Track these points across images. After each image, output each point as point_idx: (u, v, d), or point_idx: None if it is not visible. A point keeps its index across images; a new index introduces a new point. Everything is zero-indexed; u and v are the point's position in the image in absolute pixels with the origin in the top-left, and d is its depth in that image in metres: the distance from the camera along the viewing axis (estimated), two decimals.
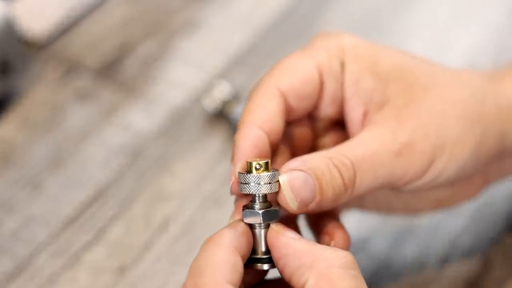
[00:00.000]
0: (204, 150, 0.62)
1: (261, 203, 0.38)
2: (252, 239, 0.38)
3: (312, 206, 0.39)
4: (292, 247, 0.37)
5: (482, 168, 0.45)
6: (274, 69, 0.43)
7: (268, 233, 0.38)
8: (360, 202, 0.47)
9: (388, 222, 0.56)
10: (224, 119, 0.63)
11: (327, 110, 0.44)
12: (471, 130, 0.42)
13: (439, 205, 0.47)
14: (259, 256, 0.39)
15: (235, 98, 0.63)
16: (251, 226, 0.38)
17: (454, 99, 0.43)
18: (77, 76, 0.68)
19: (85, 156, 0.61)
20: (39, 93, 0.66)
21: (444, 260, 0.53)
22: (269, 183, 0.38)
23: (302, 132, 0.44)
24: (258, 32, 0.72)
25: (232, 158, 0.40)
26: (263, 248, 0.39)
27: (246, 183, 0.38)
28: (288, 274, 0.36)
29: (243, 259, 0.37)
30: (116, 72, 0.68)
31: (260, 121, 0.40)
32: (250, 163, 0.38)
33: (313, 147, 0.45)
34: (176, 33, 0.72)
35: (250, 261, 0.38)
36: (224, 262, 0.35)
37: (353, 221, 0.56)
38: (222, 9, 0.74)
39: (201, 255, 0.36)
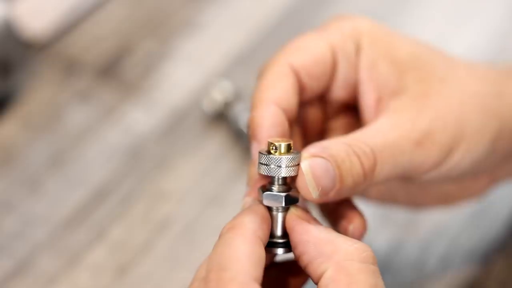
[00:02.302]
0: (205, 150, 0.62)
1: (280, 186, 0.37)
2: (270, 223, 0.37)
3: (332, 194, 0.37)
4: (312, 234, 0.35)
5: (495, 164, 0.44)
6: (285, 48, 0.42)
7: (288, 217, 0.37)
8: (365, 191, 0.46)
9: (388, 223, 0.56)
10: (224, 119, 0.63)
11: (339, 92, 0.43)
12: (488, 124, 0.42)
13: (445, 201, 0.47)
14: (275, 240, 0.37)
15: (235, 98, 0.63)
16: (268, 209, 0.37)
17: (473, 92, 0.42)
18: (77, 76, 0.68)
19: (85, 156, 0.61)
20: (39, 93, 0.66)
21: (444, 260, 0.53)
22: (291, 166, 0.36)
23: (313, 114, 0.44)
24: (258, 31, 0.72)
25: (252, 137, 0.39)
26: (279, 232, 0.37)
27: (266, 165, 0.36)
28: (305, 261, 0.35)
29: (263, 246, 0.35)
30: (116, 72, 0.68)
31: (276, 98, 0.39)
32: (272, 144, 0.36)
33: (323, 130, 0.44)
34: (176, 33, 0.72)
35: (268, 244, 0.37)
36: (249, 256, 0.34)
37: None
38: (222, 9, 0.74)
39: (224, 245, 0.34)
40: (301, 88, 0.41)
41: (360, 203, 0.51)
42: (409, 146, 0.39)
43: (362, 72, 0.42)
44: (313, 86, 0.42)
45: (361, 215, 0.41)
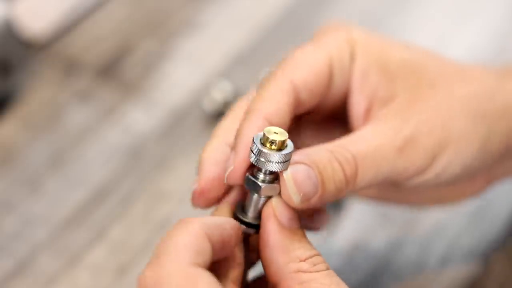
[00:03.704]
0: None
1: (267, 175, 0.37)
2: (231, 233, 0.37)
3: (314, 200, 0.38)
4: (273, 238, 0.37)
5: (487, 166, 0.44)
6: (287, 62, 0.42)
7: (265, 208, 0.38)
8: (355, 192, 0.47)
9: (388, 222, 0.56)
10: None
11: (329, 102, 0.43)
12: (477, 127, 0.42)
13: (439, 201, 0.47)
14: (248, 220, 0.38)
15: (235, 97, 0.63)
16: (250, 190, 0.38)
17: (461, 96, 0.42)
18: (77, 76, 0.68)
19: (85, 156, 0.61)
20: (39, 93, 0.66)
21: (444, 261, 0.53)
22: (280, 162, 0.37)
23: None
24: (258, 31, 0.72)
25: (234, 145, 0.39)
26: (251, 214, 0.38)
27: (256, 155, 0.37)
28: (263, 260, 0.37)
29: (215, 246, 0.35)
30: (116, 72, 0.68)
31: (269, 112, 0.39)
32: (268, 138, 0.36)
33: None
34: (176, 33, 0.72)
35: (239, 219, 0.38)
36: (189, 245, 0.34)
37: (353, 221, 0.56)
38: (222, 8, 0.74)
39: (166, 237, 0.35)
40: (297, 105, 0.41)
41: (360, 203, 0.51)
42: (391, 153, 0.40)
43: (354, 81, 0.42)
44: (310, 100, 0.42)
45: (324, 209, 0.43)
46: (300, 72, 0.41)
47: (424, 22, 0.73)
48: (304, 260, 0.36)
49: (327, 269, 0.36)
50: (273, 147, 0.36)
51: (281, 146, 0.37)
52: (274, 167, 0.37)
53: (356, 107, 0.42)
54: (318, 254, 0.37)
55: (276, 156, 0.36)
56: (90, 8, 0.74)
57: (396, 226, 0.55)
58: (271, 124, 0.39)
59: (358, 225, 0.55)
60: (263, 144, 0.37)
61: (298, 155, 0.38)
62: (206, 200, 0.40)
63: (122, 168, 0.60)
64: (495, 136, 0.43)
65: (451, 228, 0.55)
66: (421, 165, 0.41)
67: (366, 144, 0.39)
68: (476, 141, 0.42)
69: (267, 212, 0.37)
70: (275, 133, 0.37)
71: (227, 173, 0.39)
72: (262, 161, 0.36)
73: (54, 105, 0.65)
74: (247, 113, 0.40)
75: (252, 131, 0.39)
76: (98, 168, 0.60)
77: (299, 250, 0.37)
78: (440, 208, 0.51)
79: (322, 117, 0.45)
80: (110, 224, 0.57)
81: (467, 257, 0.54)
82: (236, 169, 0.38)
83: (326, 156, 0.38)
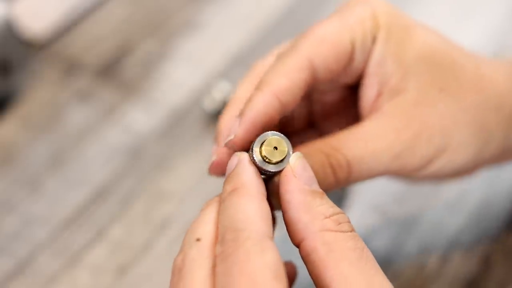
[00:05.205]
0: (204, 150, 0.62)
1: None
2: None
3: None
4: (294, 197, 0.36)
5: (481, 166, 0.45)
6: (309, 36, 0.41)
7: (284, 171, 0.37)
8: None
9: (388, 221, 0.56)
10: None
11: (344, 80, 0.43)
12: (476, 137, 0.42)
13: (433, 179, 0.48)
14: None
15: None
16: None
17: (469, 106, 0.42)
18: (77, 76, 0.68)
19: (85, 156, 0.61)
20: (39, 93, 0.66)
21: (444, 259, 0.53)
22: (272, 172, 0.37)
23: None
24: (258, 31, 0.72)
25: (241, 113, 0.39)
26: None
27: (254, 158, 0.37)
28: (285, 219, 0.36)
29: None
30: (116, 72, 0.68)
31: (280, 89, 0.39)
32: (264, 149, 0.37)
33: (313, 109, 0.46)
34: (176, 33, 0.72)
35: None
36: (259, 215, 0.34)
37: (353, 220, 0.56)
38: (222, 8, 0.74)
39: (234, 207, 0.35)
40: (312, 82, 0.41)
41: (359, 202, 0.51)
42: (388, 158, 0.40)
43: (371, 65, 0.42)
44: (326, 78, 0.42)
45: None
46: (321, 50, 0.41)
47: (424, 20, 0.73)
48: (329, 217, 0.35)
49: (352, 230, 0.35)
50: (267, 160, 0.37)
51: (279, 161, 0.37)
52: (265, 169, 0.37)
53: (368, 90, 0.42)
54: (342, 213, 0.36)
55: (270, 169, 0.37)
56: (90, 8, 0.74)
57: (396, 226, 0.55)
58: (281, 103, 0.39)
59: (359, 223, 0.55)
60: (260, 147, 0.37)
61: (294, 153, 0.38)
62: (223, 170, 0.41)
63: (122, 168, 0.60)
64: (492, 144, 0.43)
65: (451, 226, 0.55)
66: (414, 168, 0.41)
67: (364, 147, 0.40)
68: (473, 149, 0.43)
69: (286, 172, 0.37)
70: (275, 147, 0.37)
71: (227, 140, 0.39)
72: (258, 164, 0.37)
73: (54, 105, 0.65)
74: (259, 85, 0.40)
75: (260, 107, 0.39)
76: (98, 168, 0.60)
77: (322, 206, 0.36)
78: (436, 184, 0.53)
79: (337, 90, 0.45)
80: (110, 224, 0.57)
81: (467, 256, 0.54)
82: (235, 141, 0.39)
83: (320, 161, 0.39)
